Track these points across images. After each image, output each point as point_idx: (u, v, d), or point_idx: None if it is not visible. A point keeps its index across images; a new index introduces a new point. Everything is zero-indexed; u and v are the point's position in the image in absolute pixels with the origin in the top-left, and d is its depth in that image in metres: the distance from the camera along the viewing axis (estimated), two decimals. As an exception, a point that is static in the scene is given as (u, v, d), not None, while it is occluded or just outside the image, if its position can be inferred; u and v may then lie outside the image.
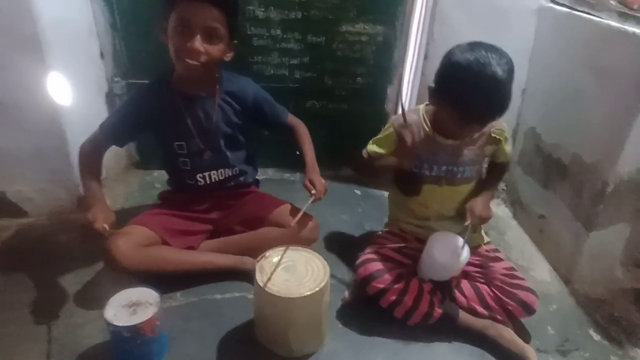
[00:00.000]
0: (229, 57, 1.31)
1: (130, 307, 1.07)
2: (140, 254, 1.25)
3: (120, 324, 1.03)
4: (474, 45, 1.08)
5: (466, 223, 1.26)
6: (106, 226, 1.20)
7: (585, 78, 1.43)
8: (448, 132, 1.25)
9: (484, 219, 1.29)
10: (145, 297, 1.10)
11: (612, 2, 1.40)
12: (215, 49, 1.24)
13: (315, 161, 1.44)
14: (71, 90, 1.54)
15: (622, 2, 1.38)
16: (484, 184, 1.37)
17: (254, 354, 1.16)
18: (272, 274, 1.12)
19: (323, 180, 1.38)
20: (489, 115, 1.13)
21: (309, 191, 1.35)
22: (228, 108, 1.38)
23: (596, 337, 1.29)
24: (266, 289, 1.07)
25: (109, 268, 1.24)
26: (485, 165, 1.41)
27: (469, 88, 1.07)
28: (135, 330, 1.04)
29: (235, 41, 1.30)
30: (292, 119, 1.51)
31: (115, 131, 1.34)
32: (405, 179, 1.35)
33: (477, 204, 1.29)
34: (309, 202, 1.32)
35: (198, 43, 1.20)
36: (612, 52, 1.32)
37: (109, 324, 1.03)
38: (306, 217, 1.37)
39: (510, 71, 1.07)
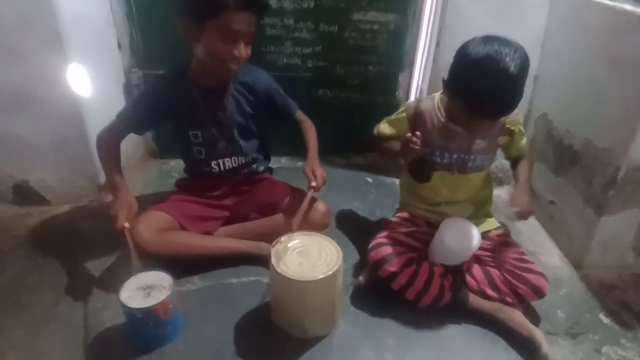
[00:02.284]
0: None
1: (144, 289, 1.11)
2: (160, 238, 1.29)
3: (134, 306, 1.06)
4: (487, 40, 1.08)
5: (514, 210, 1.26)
6: (127, 225, 1.23)
7: (598, 64, 1.43)
8: (461, 123, 1.26)
9: (527, 212, 1.26)
10: (160, 280, 1.14)
11: (627, -14, 1.39)
12: (249, 50, 1.28)
13: (317, 153, 1.47)
14: (90, 81, 1.58)
15: (637, -15, 1.37)
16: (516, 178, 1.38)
17: (269, 335, 1.20)
18: (287, 258, 1.16)
19: (323, 172, 1.40)
20: (500, 113, 1.14)
21: (309, 181, 1.37)
22: (242, 99, 1.41)
23: (606, 320, 1.31)
24: (281, 272, 1.11)
25: (137, 251, 1.28)
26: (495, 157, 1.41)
27: (481, 85, 1.07)
28: (148, 312, 1.07)
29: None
30: (301, 115, 1.55)
31: (133, 119, 1.37)
32: (416, 165, 1.37)
33: (522, 200, 1.27)
34: (309, 194, 1.36)
35: (242, 50, 1.24)
36: (627, 37, 1.31)
37: (124, 305, 1.08)
38: (318, 203, 1.41)
39: (523, 66, 1.07)
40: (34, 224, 1.61)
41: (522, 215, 1.25)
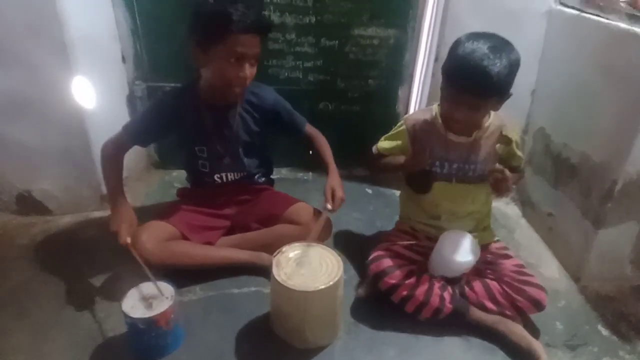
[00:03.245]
0: None
1: (147, 300, 1.12)
2: (162, 248, 1.31)
3: (136, 316, 1.07)
4: (481, 33, 1.16)
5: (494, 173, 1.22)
6: (129, 240, 1.23)
7: (595, 79, 1.46)
8: (447, 121, 1.28)
9: (505, 178, 1.20)
10: (162, 290, 1.15)
11: (621, 4, 1.43)
12: (254, 70, 1.30)
13: (336, 170, 1.47)
14: (95, 92, 1.60)
15: (631, 4, 1.41)
16: None
17: (270, 345, 1.21)
18: (288, 269, 1.17)
19: (343, 193, 1.40)
20: (476, 86, 1.14)
21: (326, 201, 1.36)
22: (248, 117, 1.44)
23: (605, 332, 1.32)
24: (283, 283, 1.12)
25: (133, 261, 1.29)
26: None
27: (460, 61, 1.13)
28: (150, 322, 1.08)
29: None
30: (310, 128, 1.55)
31: (140, 132, 1.39)
32: (416, 176, 1.39)
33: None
34: (324, 215, 1.36)
35: (248, 71, 1.26)
36: (621, 53, 1.35)
37: (126, 315, 1.08)
38: (318, 215, 1.42)
39: (507, 55, 1.12)
40: (38, 233, 1.62)
41: (498, 182, 1.21)
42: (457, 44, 1.17)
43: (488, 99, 1.17)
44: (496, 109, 1.25)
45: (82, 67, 1.53)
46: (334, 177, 1.44)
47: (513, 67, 1.14)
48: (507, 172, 1.19)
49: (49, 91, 1.51)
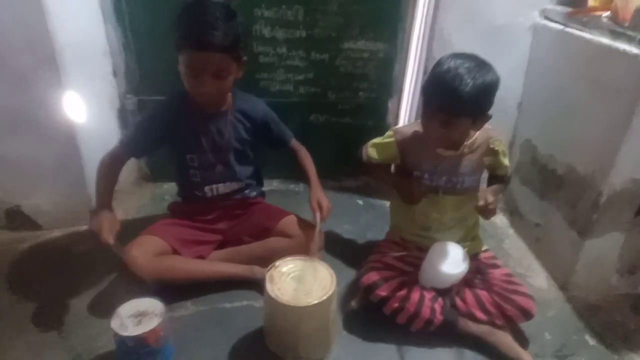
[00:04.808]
0: (239, 75, 1.37)
1: (136, 317, 1.10)
2: (153, 263, 1.31)
3: (125, 334, 1.06)
4: (459, 56, 1.18)
5: (478, 204, 1.25)
6: (111, 238, 1.22)
7: (579, 92, 1.49)
8: (427, 136, 1.30)
9: (490, 208, 1.25)
10: (151, 307, 1.13)
11: (603, 19, 1.46)
12: (226, 82, 1.31)
13: (318, 181, 1.50)
14: (85, 107, 1.61)
15: (613, 19, 1.44)
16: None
17: None
18: (281, 283, 1.17)
19: (329, 202, 1.43)
20: (447, 109, 1.18)
21: (314, 214, 1.40)
22: (239, 125, 1.45)
23: (592, 342, 1.34)
24: (276, 298, 1.12)
25: (123, 277, 1.29)
26: (484, 176, 1.46)
27: (434, 80, 1.19)
28: (139, 340, 1.07)
29: (245, 58, 1.35)
30: (296, 143, 1.59)
31: (135, 144, 1.41)
32: (406, 188, 1.40)
33: (487, 195, 1.27)
34: (317, 229, 1.38)
35: (208, 85, 1.27)
36: (605, 68, 1.38)
37: (114, 333, 1.07)
38: (311, 227, 1.43)
39: (484, 82, 1.14)
40: (28, 249, 1.61)
41: (484, 210, 1.25)
42: (437, 63, 1.20)
43: (460, 118, 1.20)
44: (477, 128, 1.28)
45: (73, 81, 1.53)
46: (317, 189, 1.47)
47: (488, 88, 1.16)
48: (492, 201, 1.23)
49: (39, 106, 1.50)
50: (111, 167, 1.40)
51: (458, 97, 1.13)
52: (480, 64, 1.16)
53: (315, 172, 1.53)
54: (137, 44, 1.81)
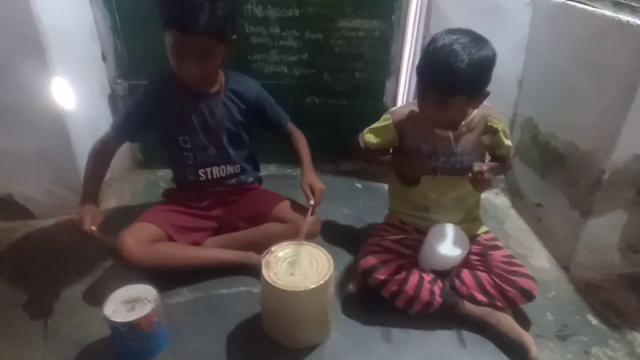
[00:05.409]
0: (229, 54, 1.33)
1: (129, 303, 1.10)
2: (148, 250, 1.28)
3: (118, 320, 1.06)
4: (453, 32, 1.13)
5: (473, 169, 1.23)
6: (93, 228, 1.20)
7: (581, 68, 1.45)
8: (421, 110, 1.26)
9: (484, 177, 1.22)
10: (144, 293, 1.13)
11: (606, -10, 1.42)
12: (211, 65, 1.28)
13: (311, 164, 1.47)
14: (74, 92, 1.57)
15: (616, -10, 1.40)
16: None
17: (261, 346, 1.19)
18: (277, 268, 1.15)
19: (321, 185, 1.39)
20: (442, 87, 1.14)
21: (307, 198, 1.36)
22: (232, 106, 1.42)
23: (594, 322, 1.32)
24: (273, 283, 1.10)
25: (117, 265, 1.27)
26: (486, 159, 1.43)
27: (428, 58, 1.15)
28: (132, 326, 1.06)
29: (235, 36, 1.31)
30: (292, 127, 1.55)
31: (127, 127, 1.38)
32: (406, 169, 1.38)
33: (482, 166, 1.25)
34: (309, 214, 1.34)
35: (193, 67, 1.24)
36: (607, 41, 1.34)
37: (107, 319, 1.07)
38: (305, 212, 1.40)
39: (479, 57, 1.10)
40: (20, 238, 1.59)
41: (476, 180, 1.22)
42: (431, 40, 1.16)
43: (455, 97, 1.15)
44: (474, 106, 1.24)
45: (60, 66, 1.49)
46: (309, 172, 1.43)
47: (484, 64, 1.12)
48: (487, 172, 1.20)
49: (26, 93, 1.47)
50: (102, 153, 1.37)
51: (453, 75, 1.09)
52: (476, 39, 1.12)
53: (308, 155, 1.49)
54: (125, 26, 1.76)
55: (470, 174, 1.22)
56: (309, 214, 1.35)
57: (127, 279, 1.17)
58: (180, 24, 1.18)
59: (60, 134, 1.55)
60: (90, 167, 1.35)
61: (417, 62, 1.77)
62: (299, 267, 1.16)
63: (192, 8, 1.17)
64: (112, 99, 1.87)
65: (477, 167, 1.21)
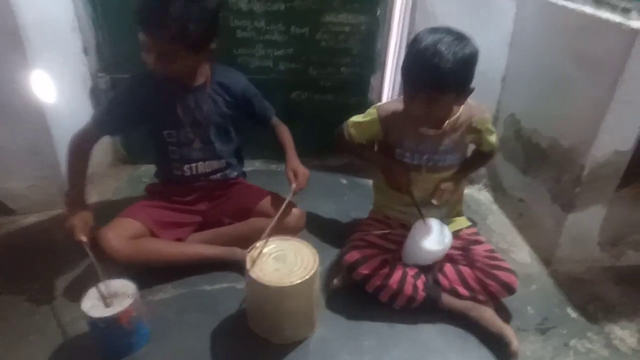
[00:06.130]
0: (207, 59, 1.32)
1: (107, 298, 1.09)
2: (130, 246, 1.27)
3: (96, 315, 1.05)
4: (435, 31, 1.13)
5: (433, 201, 1.33)
6: (84, 238, 1.19)
7: (563, 64, 1.46)
8: (407, 109, 1.26)
9: (446, 196, 1.35)
10: (123, 288, 1.12)
11: (587, -12, 1.43)
12: (179, 66, 1.26)
13: (295, 152, 1.47)
14: (55, 86, 1.54)
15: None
16: (461, 167, 1.41)
17: (246, 341, 1.19)
18: (262, 264, 1.15)
19: (305, 170, 1.41)
20: (431, 87, 1.14)
21: (290, 182, 1.37)
22: (219, 99, 1.40)
23: (573, 315, 1.35)
24: (258, 279, 1.10)
25: (100, 261, 1.25)
26: (469, 153, 1.45)
27: (413, 59, 1.15)
28: (110, 321, 1.06)
29: (214, 45, 1.29)
30: (277, 120, 1.55)
31: (109, 120, 1.35)
32: (394, 178, 1.37)
33: (446, 185, 1.35)
34: (289, 197, 1.35)
35: (159, 65, 1.23)
36: (588, 38, 1.36)
37: (85, 315, 1.06)
38: (292, 206, 1.40)
39: (463, 55, 1.11)
40: (4, 234, 1.56)
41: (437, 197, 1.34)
42: (413, 40, 1.16)
43: (444, 95, 1.16)
44: (459, 103, 1.25)
45: (41, 60, 1.47)
46: (293, 158, 1.44)
47: (469, 61, 1.13)
48: (448, 191, 1.34)
49: (5, 86, 1.44)
50: (82, 147, 1.34)
51: (440, 74, 1.10)
52: (458, 37, 1.13)
53: (292, 145, 1.50)
54: (107, 19, 1.73)
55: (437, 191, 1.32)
56: (289, 195, 1.35)
57: (111, 276, 1.16)
58: (147, 27, 1.19)
59: (41, 128, 1.53)
60: (71, 163, 1.33)
61: (402, 57, 1.80)
62: (285, 262, 1.16)
63: (160, 12, 1.16)
64: (94, 92, 1.84)
65: (437, 196, 1.33)
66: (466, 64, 1.13)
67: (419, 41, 1.13)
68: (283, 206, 1.32)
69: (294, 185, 1.36)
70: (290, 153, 1.46)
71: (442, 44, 1.09)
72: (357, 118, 1.41)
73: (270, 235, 1.24)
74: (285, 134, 1.52)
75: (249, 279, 1.13)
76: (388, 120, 1.35)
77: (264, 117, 1.52)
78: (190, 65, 1.30)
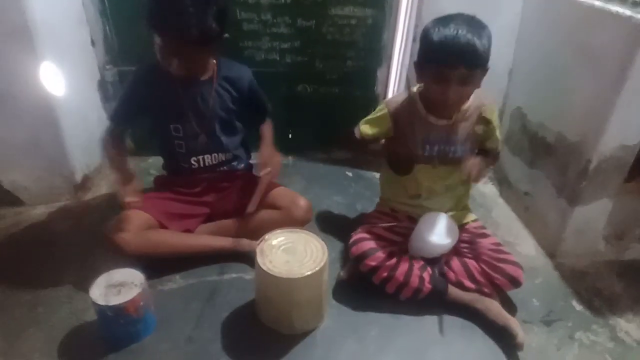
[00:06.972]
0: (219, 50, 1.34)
1: (115, 287, 1.11)
2: (139, 238, 1.29)
3: (104, 304, 1.06)
4: (448, 17, 1.18)
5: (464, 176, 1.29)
6: (132, 199, 1.24)
7: (570, 58, 1.46)
8: (437, 105, 1.28)
9: (477, 175, 1.29)
10: (131, 278, 1.13)
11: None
12: (199, 64, 1.31)
13: (272, 140, 1.48)
14: (63, 78, 1.55)
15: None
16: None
17: (254, 331, 1.21)
18: (272, 256, 1.16)
19: (278, 157, 1.42)
20: (468, 63, 1.16)
21: (261, 169, 1.38)
22: (225, 94, 1.41)
23: (579, 307, 1.35)
24: (268, 271, 1.11)
25: (109, 253, 1.27)
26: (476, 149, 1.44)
27: (444, 42, 1.15)
28: (118, 310, 1.07)
29: (227, 35, 1.30)
30: (268, 122, 1.55)
31: (123, 114, 1.41)
32: (399, 159, 1.39)
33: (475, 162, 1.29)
34: (262, 183, 1.38)
35: (179, 66, 1.26)
36: (596, 31, 1.35)
37: (94, 303, 1.07)
38: (299, 198, 1.41)
39: (486, 31, 1.16)
40: (9, 225, 1.57)
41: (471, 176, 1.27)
42: (429, 31, 1.19)
43: (476, 71, 1.19)
44: (479, 84, 1.25)
45: (49, 52, 1.47)
46: (267, 145, 1.45)
47: (490, 37, 1.18)
48: (477, 171, 1.25)
49: (14, 79, 1.45)
50: (116, 141, 1.41)
51: (473, 48, 1.13)
52: (472, 18, 1.18)
53: (270, 133, 1.50)
54: (115, 11, 1.74)
55: (465, 169, 1.26)
56: (262, 181, 1.38)
57: (119, 265, 1.17)
58: (165, 31, 1.20)
59: (50, 121, 1.54)
60: (107, 157, 1.40)
61: (408, 50, 1.80)
62: (294, 254, 1.18)
63: (182, 21, 1.17)
64: (102, 85, 1.85)
65: (467, 168, 1.25)
66: (489, 39, 1.18)
67: (435, 27, 1.17)
68: (260, 187, 1.37)
69: (262, 173, 1.37)
70: (266, 142, 1.47)
71: (466, 23, 1.15)
72: (367, 117, 1.42)
73: (255, 203, 1.34)
74: (267, 127, 1.53)
75: (260, 271, 1.14)
76: (397, 114, 1.35)
77: (262, 118, 1.53)
78: (205, 59, 1.31)
